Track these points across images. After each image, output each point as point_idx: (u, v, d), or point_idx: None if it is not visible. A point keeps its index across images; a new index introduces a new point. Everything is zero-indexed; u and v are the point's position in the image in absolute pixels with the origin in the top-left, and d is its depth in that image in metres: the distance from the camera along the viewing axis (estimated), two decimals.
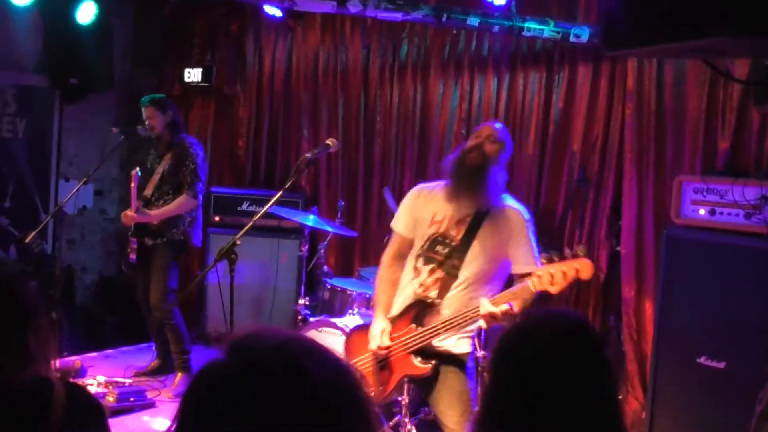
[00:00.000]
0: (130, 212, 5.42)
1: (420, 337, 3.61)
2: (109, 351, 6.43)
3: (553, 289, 3.25)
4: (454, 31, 6.00)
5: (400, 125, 6.40)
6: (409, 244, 3.80)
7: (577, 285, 5.22)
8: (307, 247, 6.17)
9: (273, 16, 6.42)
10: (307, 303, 5.60)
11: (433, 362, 3.61)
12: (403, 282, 3.79)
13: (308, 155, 3.99)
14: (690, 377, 4.29)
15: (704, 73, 4.71)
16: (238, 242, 3.55)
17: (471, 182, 3.54)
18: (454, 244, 3.62)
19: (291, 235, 6.57)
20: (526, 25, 5.10)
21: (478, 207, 3.59)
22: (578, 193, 5.35)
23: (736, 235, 4.24)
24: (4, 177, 6.87)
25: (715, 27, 1.77)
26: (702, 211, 4.39)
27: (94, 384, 5.15)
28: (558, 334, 1.76)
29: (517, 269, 3.58)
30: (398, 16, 5.42)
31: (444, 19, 5.29)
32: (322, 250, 5.91)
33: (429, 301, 3.62)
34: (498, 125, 3.71)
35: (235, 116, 7.39)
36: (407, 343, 3.64)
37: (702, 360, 4.24)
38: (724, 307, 4.20)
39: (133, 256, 5.51)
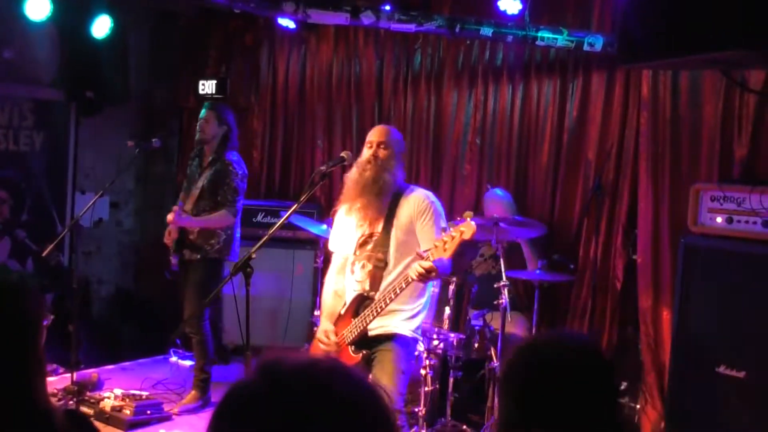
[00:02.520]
0: (171, 215, 5.38)
1: (354, 327, 3.88)
2: (126, 363, 6.45)
3: (446, 255, 3.54)
4: (468, 42, 6.00)
5: (415, 136, 6.38)
6: (346, 259, 4.12)
7: (592, 295, 5.22)
8: (322, 258, 6.16)
9: (287, 28, 6.46)
10: None
11: (364, 351, 3.87)
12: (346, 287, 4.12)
13: (323, 168, 4.03)
14: (709, 387, 4.24)
15: (720, 81, 4.66)
16: (254, 256, 3.54)
17: (372, 195, 3.94)
18: (376, 237, 3.96)
19: (306, 246, 6.57)
20: (539, 34, 5.10)
21: (385, 208, 3.96)
22: (593, 202, 5.32)
23: (753, 243, 4.20)
24: (22, 190, 6.92)
25: (731, 40, 1.76)
26: (719, 219, 4.36)
27: (111, 397, 5.15)
28: (566, 352, 1.77)
29: (422, 247, 3.84)
30: (411, 27, 5.43)
31: (457, 29, 5.30)
32: None
33: (365, 294, 3.91)
34: (388, 127, 4.15)
35: (249, 128, 7.40)
36: (345, 336, 3.91)
37: (721, 369, 4.20)
38: (742, 316, 4.16)
39: (174, 262, 5.53)
